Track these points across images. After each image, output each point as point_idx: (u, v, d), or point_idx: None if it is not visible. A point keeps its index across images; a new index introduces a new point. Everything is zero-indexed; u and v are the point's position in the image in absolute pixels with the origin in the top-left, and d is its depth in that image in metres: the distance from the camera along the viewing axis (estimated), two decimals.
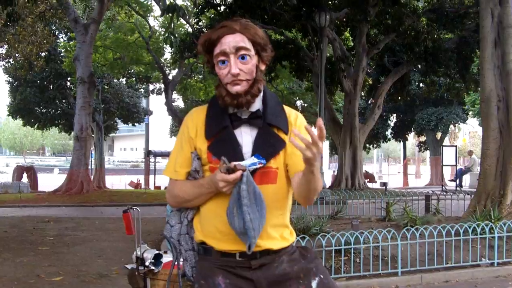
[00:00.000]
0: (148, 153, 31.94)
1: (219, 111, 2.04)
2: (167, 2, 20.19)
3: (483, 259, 6.86)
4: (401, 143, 38.09)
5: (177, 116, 27.05)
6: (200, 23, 20.21)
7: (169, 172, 2.11)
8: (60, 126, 30.89)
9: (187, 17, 22.90)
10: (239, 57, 1.97)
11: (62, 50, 27.40)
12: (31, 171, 26.27)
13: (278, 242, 2.04)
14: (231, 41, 1.96)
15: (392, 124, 33.56)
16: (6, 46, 22.64)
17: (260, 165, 1.92)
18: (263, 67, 2.07)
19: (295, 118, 2.12)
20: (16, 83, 28.38)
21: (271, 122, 2.03)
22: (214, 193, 1.97)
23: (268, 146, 2.00)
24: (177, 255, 2.14)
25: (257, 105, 2.05)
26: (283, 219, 2.08)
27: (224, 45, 1.96)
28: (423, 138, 35.05)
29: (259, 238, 1.93)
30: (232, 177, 1.84)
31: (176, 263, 2.15)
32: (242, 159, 1.95)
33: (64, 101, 29.20)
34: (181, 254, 2.13)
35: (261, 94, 2.07)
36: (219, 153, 1.96)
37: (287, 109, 2.14)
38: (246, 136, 2.02)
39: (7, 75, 28.13)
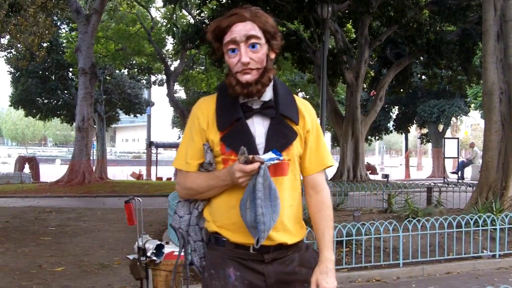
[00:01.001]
0: (150, 144, 31.98)
1: (230, 101, 1.99)
2: None
3: (484, 251, 6.86)
4: (403, 135, 38.12)
5: (179, 107, 26.98)
6: (202, 14, 20.17)
7: (180, 164, 2.07)
8: (62, 116, 30.90)
9: (189, 7, 22.85)
10: (250, 45, 1.93)
11: (64, 41, 27.43)
12: (33, 162, 26.35)
13: (292, 236, 2.02)
14: (242, 29, 1.92)
15: (394, 116, 33.53)
16: (8, 37, 22.64)
17: (278, 161, 1.91)
18: (273, 56, 2.02)
19: (310, 115, 2.09)
20: (18, 73, 28.42)
21: (283, 112, 1.99)
22: (229, 185, 1.95)
23: (281, 137, 1.98)
24: (185, 245, 2.11)
25: (268, 94, 2.01)
26: (295, 211, 2.06)
27: (235, 33, 1.92)
28: (425, 130, 35.04)
29: (275, 230, 1.92)
30: (250, 167, 1.81)
31: (182, 253, 2.14)
32: (256, 150, 1.93)
33: (65, 91, 29.22)
34: (190, 244, 2.11)
35: (272, 83, 2.03)
36: (232, 144, 1.94)
37: (299, 100, 2.10)
38: (258, 127, 1.98)
39: (9, 66, 28.15)
